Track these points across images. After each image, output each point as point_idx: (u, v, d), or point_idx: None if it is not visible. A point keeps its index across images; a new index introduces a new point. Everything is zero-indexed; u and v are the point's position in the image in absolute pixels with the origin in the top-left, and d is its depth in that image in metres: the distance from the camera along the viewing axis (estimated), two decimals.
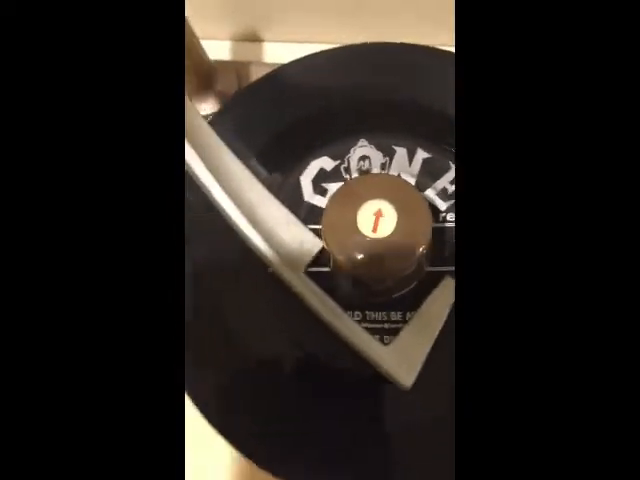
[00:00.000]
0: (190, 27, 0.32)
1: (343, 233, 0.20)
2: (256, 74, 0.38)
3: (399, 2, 0.38)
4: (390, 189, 0.20)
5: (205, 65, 0.36)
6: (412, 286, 0.23)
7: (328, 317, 0.22)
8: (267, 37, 0.42)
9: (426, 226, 0.20)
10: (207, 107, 0.36)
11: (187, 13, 0.26)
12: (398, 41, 0.28)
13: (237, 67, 0.39)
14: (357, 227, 0.20)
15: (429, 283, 0.23)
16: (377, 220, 0.20)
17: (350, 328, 0.22)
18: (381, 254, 0.20)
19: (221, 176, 0.23)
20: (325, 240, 0.21)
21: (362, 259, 0.20)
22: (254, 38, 0.42)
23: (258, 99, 0.27)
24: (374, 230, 0.20)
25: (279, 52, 0.42)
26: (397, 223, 0.20)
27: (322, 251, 0.23)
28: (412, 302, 0.23)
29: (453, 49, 0.18)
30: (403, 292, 0.23)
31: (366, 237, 0.20)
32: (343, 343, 0.22)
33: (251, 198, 0.23)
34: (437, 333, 0.22)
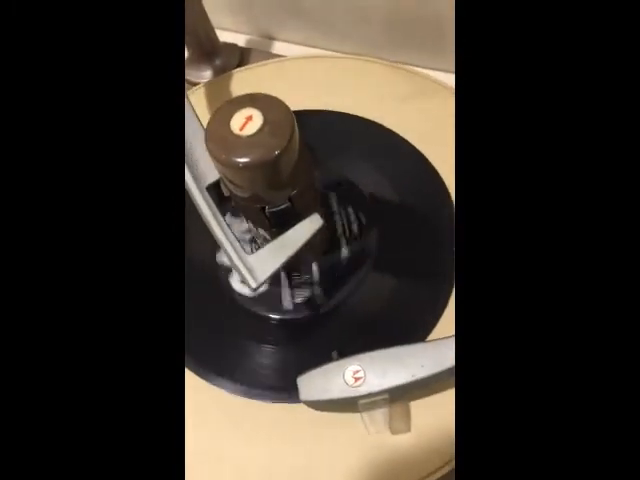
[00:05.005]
0: (203, 9, 0.38)
1: (219, 133, 0.24)
2: (256, 60, 0.43)
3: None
4: (263, 102, 0.24)
5: (210, 42, 0.42)
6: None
7: (213, 227, 0.26)
8: (275, 36, 0.48)
9: (286, 132, 0.23)
10: (204, 76, 0.42)
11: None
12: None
13: (242, 51, 0.44)
14: (229, 128, 0.24)
15: None
16: (246, 122, 0.24)
17: (226, 235, 0.26)
18: (245, 145, 0.23)
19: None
20: (206, 142, 0.24)
21: (232, 150, 0.23)
22: (262, 34, 0.47)
23: None
24: (241, 129, 0.24)
25: (282, 48, 0.47)
26: (261, 125, 0.23)
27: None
28: None
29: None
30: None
31: (235, 134, 0.23)
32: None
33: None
34: (290, 255, 0.25)
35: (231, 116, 0.24)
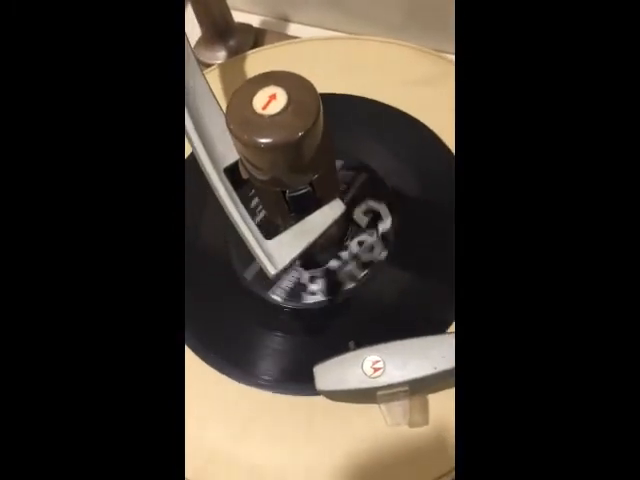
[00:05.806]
0: None
1: (240, 112, 0.23)
2: (271, 41, 0.42)
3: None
4: (288, 81, 0.23)
5: (224, 21, 0.40)
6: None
7: (230, 210, 0.25)
8: (290, 17, 0.46)
9: (311, 113, 0.22)
10: (218, 57, 0.41)
11: None
12: None
13: (256, 32, 0.43)
14: (252, 107, 0.23)
15: None
16: (269, 101, 0.23)
17: (244, 218, 0.25)
18: (267, 125, 0.22)
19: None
20: (227, 121, 0.23)
21: (254, 130, 0.22)
22: (277, 15, 0.46)
23: None
24: (264, 108, 0.23)
25: (297, 30, 0.46)
26: (285, 105, 0.22)
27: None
28: None
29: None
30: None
31: (257, 114, 0.22)
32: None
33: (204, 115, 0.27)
34: (311, 241, 0.25)
35: (254, 94, 0.23)
